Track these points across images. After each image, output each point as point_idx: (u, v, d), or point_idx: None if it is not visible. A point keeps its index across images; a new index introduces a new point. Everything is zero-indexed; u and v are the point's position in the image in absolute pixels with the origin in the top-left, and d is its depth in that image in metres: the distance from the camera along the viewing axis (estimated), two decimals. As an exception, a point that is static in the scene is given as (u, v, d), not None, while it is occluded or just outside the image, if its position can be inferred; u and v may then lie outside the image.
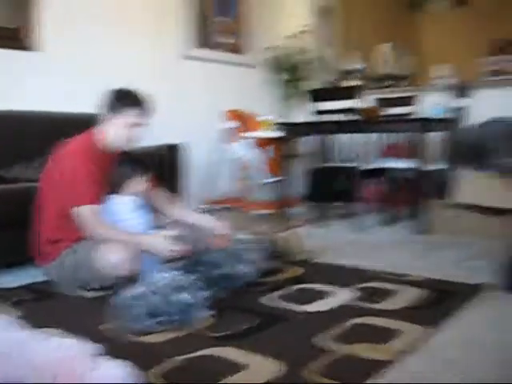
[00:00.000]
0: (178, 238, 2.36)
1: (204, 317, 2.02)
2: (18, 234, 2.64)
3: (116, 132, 2.53)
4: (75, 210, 2.40)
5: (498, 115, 4.33)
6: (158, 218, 2.76)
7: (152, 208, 2.69)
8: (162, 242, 2.33)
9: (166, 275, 2.07)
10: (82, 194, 2.40)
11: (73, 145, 2.51)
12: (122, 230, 2.41)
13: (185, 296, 1.94)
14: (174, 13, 4.62)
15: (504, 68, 7.14)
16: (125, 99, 2.52)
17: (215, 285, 2.29)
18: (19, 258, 2.77)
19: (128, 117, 2.50)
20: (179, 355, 1.72)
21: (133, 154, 2.65)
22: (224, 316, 2.09)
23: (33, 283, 2.62)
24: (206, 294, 2.04)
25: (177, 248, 2.32)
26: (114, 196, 2.51)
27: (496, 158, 2.28)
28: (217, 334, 1.91)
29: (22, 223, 2.58)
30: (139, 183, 2.54)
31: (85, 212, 2.39)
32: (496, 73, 6.39)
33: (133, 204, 2.51)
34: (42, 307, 2.29)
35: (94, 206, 2.41)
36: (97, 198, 2.43)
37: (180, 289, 1.96)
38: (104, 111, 2.54)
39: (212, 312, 2.06)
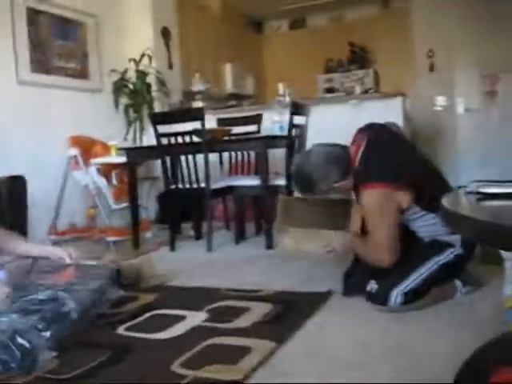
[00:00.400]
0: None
1: (47, 359, 1.92)
2: None
3: None
4: None
5: (330, 129, 4.63)
6: None
7: None
8: None
9: (4, 319, 1.94)
10: None
11: None
12: None
13: (22, 341, 1.82)
14: (8, 37, 4.38)
15: (335, 85, 7.68)
16: None
17: (60, 321, 2.18)
18: None
19: None
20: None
21: None
22: (71, 355, 1.98)
23: None
24: (47, 334, 1.94)
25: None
26: None
27: (318, 184, 2.46)
28: (63, 376, 1.81)
29: None
30: None
31: None
32: (330, 90, 6.83)
33: None
34: None
35: None
36: None
37: (18, 333, 1.84)
38: None
39: (55, 353, 1.95)
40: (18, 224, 3.45)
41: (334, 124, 4.90)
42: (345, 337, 2.05)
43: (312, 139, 4.28)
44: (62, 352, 1.99)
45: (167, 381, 1.72)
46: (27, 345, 1.82)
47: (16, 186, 3.49)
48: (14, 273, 2.64)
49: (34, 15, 4.63)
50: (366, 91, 5.46)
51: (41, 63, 4.69)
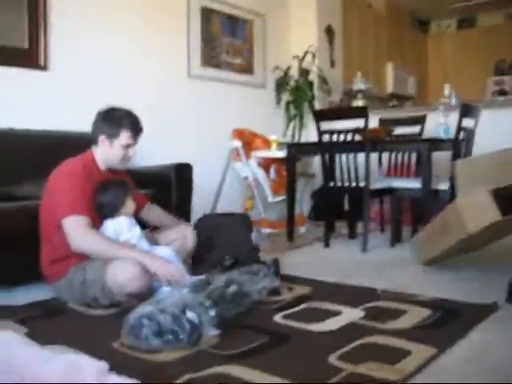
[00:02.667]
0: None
1: (211, 336, 2.02)
2: (28, 251, 2.64)
3: (110, 153, 2.62)
4: (62, 224, 2.41)
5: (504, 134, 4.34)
6: (151, 235, 2.81)
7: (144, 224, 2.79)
8: (163, 266, 2.36)
9: (175, 293, 2.07)
10: (68, 205, 2.42)
11: (68, 164, 2.58)
12: (117, 243, 2.43)
13: (192, 315, 1.93)
14: (183, 33, 4.68)
15: (506, 88, 7.19)
16: (119, 122, 2.59)
17: (225, 303, 2.28)
18: (29, 275, 2.77)
19: (123, 138, 2.59)
20: (188, 373, 1.71)
21: (107, 179, 2.68)
22: (231, 335, 2.08)
23: (41, 301, 2.61)
24: (213, 312, 2.03)
25: (177, 275, 2.33)
26: (110, 220, 2.58)
27: None
28: (225, 353, 1.90)
29: (32, 240, 2.60)
30: (130, 203, 2.65)
31: (68, 223, 2.39)
32: (501, 93, 6.42)
33: (129, 224, 2.60)
34: (50, 324, 2.28)
35: (80, 217, 2.40)
36: (85, 210, 2.43)
37: (188, 307, 1.95)
38: (98, 132, 2.62)
39: (219, 331, 2.05)
40: (183, 208, 3.66)
41: (505, 129, 4.62)
42: (508, 351, 1.91)
43: (480, 144, 4.08)
44: (223, 331, 2.08)
45: (324, 372, 1.73)
46: (196, 319, 1.93)
47: (183, 172, 3.69)
48: (180, 251, 2.82)
49: (207, 13, 4.88)
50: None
51: (210, 58, 4.94)
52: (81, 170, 2.53)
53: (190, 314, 1.93)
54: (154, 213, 2.94)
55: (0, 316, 2.34)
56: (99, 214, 2.57)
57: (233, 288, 2.32)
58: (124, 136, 2.59)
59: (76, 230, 2.38)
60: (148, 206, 2.94)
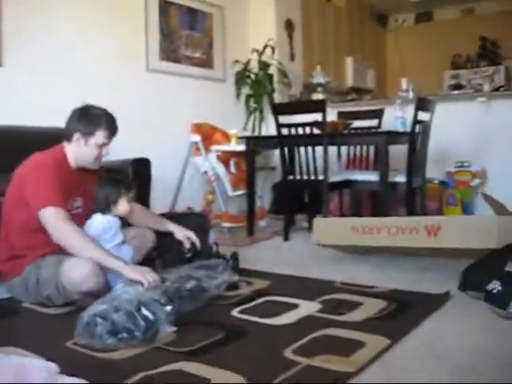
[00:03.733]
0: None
1: (167, 332, 2.00)
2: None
3: (85, 151, 2.57)
4: (39, 214, 2.36)
5: (459, 127, 4.45)
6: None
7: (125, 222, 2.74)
8: (142, 275, 2.23)
9: (130, 290, 2.05)
10: (43, 196, 2.37)
11: (37, 157, 2.52)
12: (92, 241, 2.35)
13: (147, 312, 1.92)
14: (141, 27, 4.61)
15: (462, 82, 7.34)
16: (96, 121, 2.55)
17: (181, 299, 2.27)
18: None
19: (98, 138, 2.55)
20: (143, 371, 1.70)
21: (116, 174, 2.69)
22: (188, 331, 2.07)
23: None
24: (169, 309, 2.02)
25: (146, 280, 2.21)
26: (100, 215, 2.55)
27: None
28: (180, 349, 1.89)
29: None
30: (124, 205, 2.61)
31: (46, 215, 2.35)
32: (457, 87, 6.54)
33: (111, 225, 2.56)
34: (2, 325, 2.23)
35: (58, 210, 2.36)
36: (61, 202, 2.39)
37: (143, 304, 1.94)
38: (72, 130, 2.56)
39: (175, 328, 2.04)
40: (142, 203, 3.61)
41: (460, 123, 4.71)
42: (460, 340, 1.96)
43: (435, 137, 4.16)
44: (179, 327, 2.07)
45: (279, 365, 1.73)
46: (151, 316, 1.91)
47: (141, 167, 3.64)
48: (139, 249, 2.79)
49: (165, 6, 4.83)
50: (496, 89, 5.15)
51: (169, 52, 4.88)
52: (51, 164, 2.47)
53: (145, 311, 1.91)
54: (136, 214, 2.85)
55: (-49, 317, 2.28)
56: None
57: (190, 284, 2.32)
58: (100, 135, 2.54)
59: (56, 224, 2.34)
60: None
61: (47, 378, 1.28)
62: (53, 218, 2.34)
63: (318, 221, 3.49)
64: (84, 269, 2.27)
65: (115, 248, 2.53)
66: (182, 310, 2.14)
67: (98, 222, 2.53)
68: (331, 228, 3.36)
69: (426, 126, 3.96)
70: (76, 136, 2.55)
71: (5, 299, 2.54)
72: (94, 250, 2.30)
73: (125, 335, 1.88)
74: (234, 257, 2.88)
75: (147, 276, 2.21)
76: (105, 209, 2.57)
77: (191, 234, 2.83)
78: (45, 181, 2.40)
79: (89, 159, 2.59)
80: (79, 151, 2.57)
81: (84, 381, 1.34)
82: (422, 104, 3.85)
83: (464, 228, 2.78)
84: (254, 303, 2.43)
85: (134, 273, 2.24)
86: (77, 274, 2.27)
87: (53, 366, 1.34)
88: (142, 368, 1.72)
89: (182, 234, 2.84)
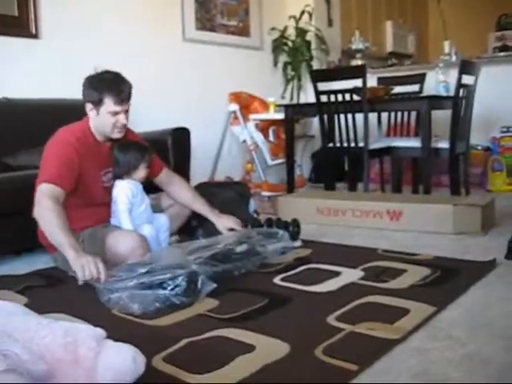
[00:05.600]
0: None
1: (209, 290, 2.04)
2: (26, 221, 2.62)
3: (100, 122, 2.49)
4: (36, 188, 2.30)
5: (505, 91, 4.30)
6: (158, 200, 2.80)
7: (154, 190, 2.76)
8: (81, 267, 2.06)
9: (171, 252, 2.09)
10: (46, 172, 2.33)
11: (61, 133, 2.47)
12: (62, 229, 2.18)
13: (189, 273, 1.96)
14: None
15: (509, 43, 7.07)
16: (102, 87, 2.42)
17: (231, 261, 2.29)
18: (29, 244, 2.79)
19: (108, 105, 2.43)
20: (187, 337, 1.71)
21: (134, 140, 2.65)
22: (230, 298, 2.08)
23: (41, 269, 2.62)
24: (215, 269, 2.06)
25: (91, 274, 2.07)
26: (125, 182, 2.56)
27: None
28: (223, 316, 1.90)
29: (30, 210, 2.58)
30: (143, 170, 2.60)
31: (40, 188, 2.29)
32: (503, 49, 6.30)
33: (136, 189, 2.58)
34: (49, 293, 2.29)
35: (52, 187, 2.28)
36: (62, 181, 2.31)
37: (184, 266, 1.98)
38: (85, 101, 2.49)
39: (215, 285, 2.07)
40: (181, 173, 3.61)
41: (506, 86, 4.55)
42: (508, 308, 1.91)
43: (479, 101, 4.03)
44: (221, 295, 2.08)
45: (323, 332, 1.73)
46: (194, 277, 1.96)
47: (180, 137, 3.65)
48: (175, 218, 2.80)
49: (201, -27, 4.76)
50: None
51: (205, 21, 4.84)
52: (73, 143, 2.41)
53: (187, 272, 1.95)
54: (176, 186, 2.81)
55: (1, 286, 2.35)
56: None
57: (241, 247, 2.34)
58: (108, 102, 2.41)
59: (39, 200, 2.26)
60: (166, 175, 2.83)
61: (95, 343, 1.30)
62: (40, 193, 2.27)
63: (282, 199, 3.62)
64: (131, 241, 2.30)
65: (148, 214, 2.59)
66: (233, 273, 2.17)
67: (124, 187, 2.53)
68: (296, 207, 3.45)
69: (470, 90, 3.84)
70: (88, 107, 2.47)
71: (51, 269, 2.61)
72: (56, 232, 2.18)
73: (171, 284, 1.94)
74: (295, 223, 2.87)
75: (87, 269, 2.04)
76: (124, 173, 2.56)
77: (232, 224, 2.71)
78: (54, 157, 2.36)
79: (107, 129, 2.49)
80: (96, 123, 2.50)
81: (129, 346, 1.36)
82: (467, 67, 3.73)
83: (423, 214, 3.09)
84: (296, 271, 2.43)
85: (75, 263, 2.07)
86: (124, 246, 2.29)
87: (100, 331, 1.37)
88: (185, 334, 1.74)
89: (222, 225, 2.71)
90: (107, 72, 2.49)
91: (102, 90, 2.41)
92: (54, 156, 2.38)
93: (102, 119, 2.47)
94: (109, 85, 2.42)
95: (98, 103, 2.43)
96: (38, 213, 2.26)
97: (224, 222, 2.72)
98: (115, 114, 2.44)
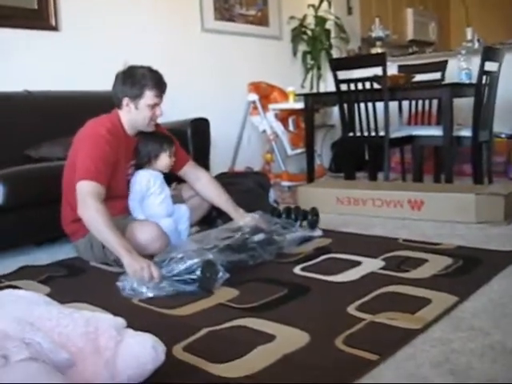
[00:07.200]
0: None
1: (224, 278, 2.06)
2: (49, 212, 2.67)
3: (138, 116, 2.51)
4: (77, 185, 2.32)
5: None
6: (179, 191, 2.80)
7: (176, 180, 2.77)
8: (134, 272, 2.09)
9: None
10: (85, 169, 2.34)
11: (92, 126, 2.49)
12: (110, 225, 2.21)
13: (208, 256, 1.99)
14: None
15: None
16: (142, 81, 2.45)
17: (248, 250, 2.30)
18: (51, 234, 2.83)
19: (148, 98, 2.46)
20: (207, 327, 1.72)
21: (156, 130, 2.65)
22: (250, 288, 2.08)
23: (64, 260, 2.65)
24: (230, 259, 2.08)
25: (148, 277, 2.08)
26: (144, 171, 2.58)
27: None
28: (243, 306, 1.90)
29: (53, 201, 2.60)
30: (165, 159, 2.60)
31: (80, 187, 2.31)
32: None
33: (155, 179, 2.58)
34: (71, 283, 2.31)
35: (93, 184, 2.30)
36: (100, 177, 2.34)
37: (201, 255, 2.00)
38: (120, 96, 2.49)
39: (228, 275, 2.08)
40: (201, 163, 3.62)
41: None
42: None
43: (503, 89, 3.96)
44: (241, 284, 2.09)
45: (343, 322, 1.72)
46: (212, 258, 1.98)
47: (200, 128, 3.64)
48: (196, 209, 2.81)
49: (218, -37, 4.74)
50: None
51: (223, 11, 4.82)
52: (105, 135, 2.42)
53: (202, 261, 1.98)
54: (203, 183, 2.79)
55: (24, 276, 2.38)
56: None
57: (258, 236, 2.34)
58: (149, 95, 2.45)
59: (84, 199, 2.28)
60: (192, 169, 2.82)
61: (115, 332, 1.31)
62: (83, 192, 2.29)
63: (302, 189, 3.60)
64: (151, 232, 2.32)
65: (168, 204, 2.59)
66: (248, 263, 2.17)
67: (141, 176, 2.55)
68: (316, 197, 3.42)
69: (493, 77, 3.77)
70: (125, 101, 2.48)
71: (73, 258, 2.64)
72: (107, 233, 2.21)
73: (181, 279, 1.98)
74: (314, 212, 2.86)
75: (139, 275, 2.07)
76: (146, 163, 2.58)
77: (256, 222, 2.63)
78: (93, 153, 2.37)
79: (143, 122, 2.53)
80: (132, 116, 2.51)
81: (149, 335, 1.36)
82: (490, 53, 3.66)
83: (445, 204, 3.06)
84: (316, 261, 2.42)
85: (129, 268, 2.11)
86: (144, 236, 2.31)
87: (120, 320, 1.38)
88: (206, 324, 1.74)
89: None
90: (141, 67, 2.52)
91: (145, 84, 2.45)
92: (88, 151, 2.39)
93: (140, 113, 2.50)
94: (151, 78, 2.47)
95: (137, 97, 2.46)
96: (85, 213, 2.29)
97: (248, 222, 2.68)
98: (154, 106, 2.49)
